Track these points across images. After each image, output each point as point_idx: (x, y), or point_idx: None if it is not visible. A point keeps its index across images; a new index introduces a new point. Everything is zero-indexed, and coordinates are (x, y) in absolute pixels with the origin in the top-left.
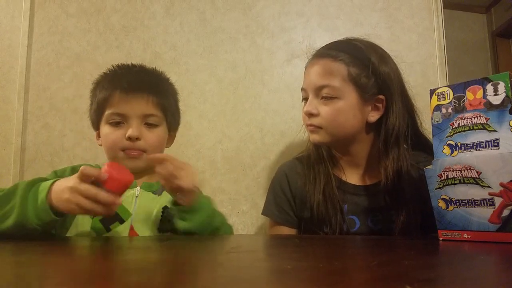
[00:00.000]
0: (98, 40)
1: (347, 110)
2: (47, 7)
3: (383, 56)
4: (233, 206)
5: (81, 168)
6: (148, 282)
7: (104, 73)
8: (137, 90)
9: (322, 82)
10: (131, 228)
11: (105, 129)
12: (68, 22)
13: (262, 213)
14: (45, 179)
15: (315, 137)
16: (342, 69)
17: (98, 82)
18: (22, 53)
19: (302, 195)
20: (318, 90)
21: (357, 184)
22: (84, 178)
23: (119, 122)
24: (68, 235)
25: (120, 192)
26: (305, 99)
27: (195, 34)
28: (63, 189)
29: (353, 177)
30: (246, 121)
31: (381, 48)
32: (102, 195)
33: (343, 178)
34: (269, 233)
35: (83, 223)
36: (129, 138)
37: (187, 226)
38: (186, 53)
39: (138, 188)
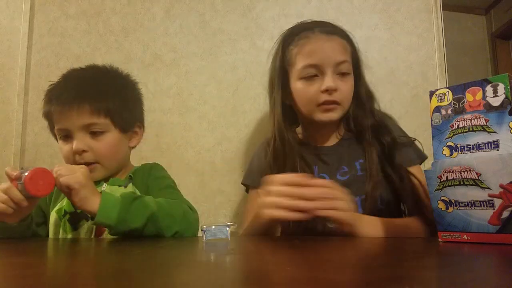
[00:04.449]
0: (98, 41)
1: (352, 85)
2: (47, 8)
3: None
4: (232, 207)
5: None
6: (146, 284)
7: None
8: (69, 102)
9: (342, 58)
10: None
11: (59, 143)
12: (68, 24)
13: (242, 182)
14: None
15: (332, 115)
16: (349, 47)
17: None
18: (22, 55)
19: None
20: (336, 65)
21: (328, 145)
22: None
23: (66, 135)
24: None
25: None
26: (313, 76)
27: (195, 35)
28: None
29: (323, 140)
30: (245, 123)
31: None
32: (12, 190)
33: (314, 143)
34: (248, 208)
35: (54, 224)
36: (75, 153)
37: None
38: (186, 54)
39: (104, 185)
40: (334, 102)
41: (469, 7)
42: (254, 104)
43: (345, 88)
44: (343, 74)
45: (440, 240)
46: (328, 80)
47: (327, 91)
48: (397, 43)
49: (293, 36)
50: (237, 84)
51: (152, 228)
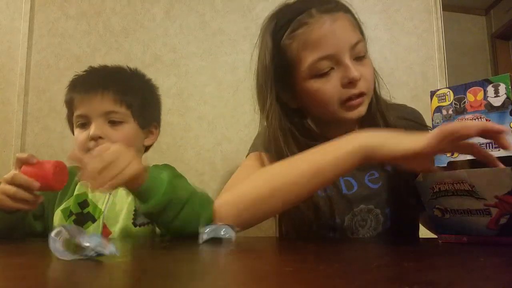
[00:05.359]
0: (98, 42)
1: (373, 68)
2: (47, 9)
3: None
4: None
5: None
6: (146, 285)
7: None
8: (93, 88)
9: (356, 37)
10: (104, 226)
11: (75, 132)
12: (68, 24)
13: (250, 151)
14: None
15: (361, 110)
16: (356, 22)
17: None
18: (22, 55)
19: None
20: (352, 48)
21: None
22: (17, 164)
23: (84, 123)
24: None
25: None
26: (327, 71)
27: (195, 36)
28: None
29: None
30: (245, 123)
31: None
32: (19, 176)
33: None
34: (243, 166)
35: (58, 223)
36: (91, 138)
37: (148, 208)
38: (186, 55)
39: None
40: (361, 95)
41: (469, 8)
42: (254, 104)
43: (368, 73)
44: (360, 58)
45: (440, 241)
46: (350, 70)
47: (350, 83)
48: (397, 43)
49: (286, 24)
50: (237, 84)
51: (191, 206)
